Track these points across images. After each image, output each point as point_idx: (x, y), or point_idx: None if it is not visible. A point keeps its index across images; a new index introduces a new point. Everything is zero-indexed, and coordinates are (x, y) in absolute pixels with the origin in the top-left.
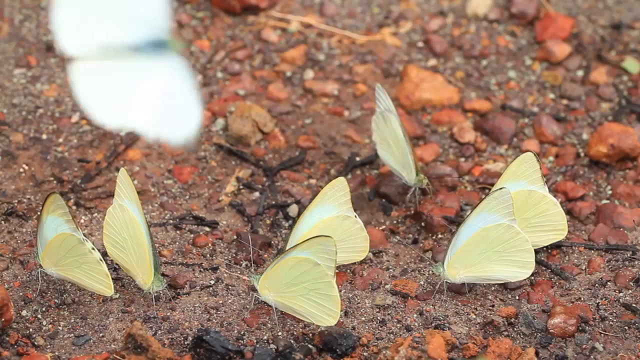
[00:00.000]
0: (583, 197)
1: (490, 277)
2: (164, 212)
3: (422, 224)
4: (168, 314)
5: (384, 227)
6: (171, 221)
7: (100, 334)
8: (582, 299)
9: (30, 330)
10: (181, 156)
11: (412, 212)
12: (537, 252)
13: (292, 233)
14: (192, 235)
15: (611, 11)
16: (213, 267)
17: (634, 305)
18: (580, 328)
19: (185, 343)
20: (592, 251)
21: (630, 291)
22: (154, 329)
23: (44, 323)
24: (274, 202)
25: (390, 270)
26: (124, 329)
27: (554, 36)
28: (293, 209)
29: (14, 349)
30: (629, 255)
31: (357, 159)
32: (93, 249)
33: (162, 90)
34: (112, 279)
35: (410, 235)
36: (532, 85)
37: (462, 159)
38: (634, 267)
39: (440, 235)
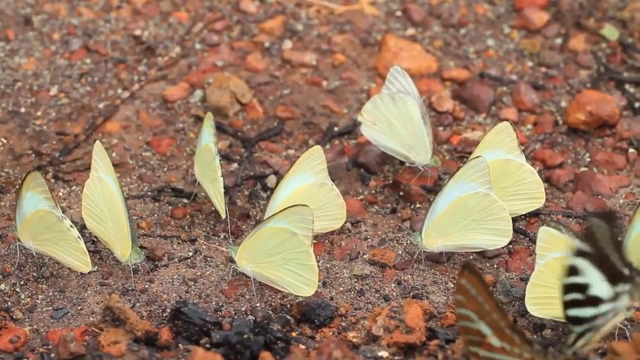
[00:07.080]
0: (561, 164)
1: (468, 246)
2: (143, 184)
3: (401, 193)
4: (146, 286)
5: (362, 197)
6: (149, 193)
7: (79, 307)
8: None
9: (9, 303)
10: (159, 128)
11: (391, 181)
12: (515, 220)
13: (270, 203)
14: (170, 207)
15: None
16: (191, 238)
17: None
18: None
19: (164, 315)
20: (571, 219)
21: None
22: (132, 301)
23: (23, 296)
24: (252, 173)
25: (369, 240)
26: (102, 301)
27: (532, 4)
28: (271, 180)
29: None
30: None
31: (336, 129)
32: (71, 226)
33: None
34: (91, 251)
35: (389, 205)
36: (510, 53)
37: (441, 128)
38: None
39: (418, 205)
